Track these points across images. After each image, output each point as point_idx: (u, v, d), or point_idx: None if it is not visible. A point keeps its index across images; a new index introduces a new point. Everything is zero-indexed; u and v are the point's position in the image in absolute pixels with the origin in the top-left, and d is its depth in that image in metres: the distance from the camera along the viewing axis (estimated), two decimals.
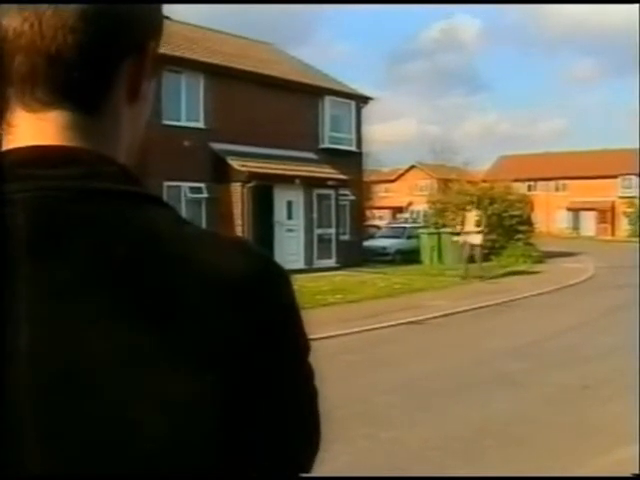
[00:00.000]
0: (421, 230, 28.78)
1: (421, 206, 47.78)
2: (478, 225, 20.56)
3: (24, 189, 0.69)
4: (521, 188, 41.18)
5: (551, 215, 61.77)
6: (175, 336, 0.67)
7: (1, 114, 0.75)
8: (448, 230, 26.04)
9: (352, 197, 25.58)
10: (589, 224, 63.19)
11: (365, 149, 28.36)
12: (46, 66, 0.71)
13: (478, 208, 27.34)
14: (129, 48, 0.76)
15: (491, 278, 20.13)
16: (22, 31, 0.70)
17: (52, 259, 0.67)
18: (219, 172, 20.63)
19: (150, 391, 0.66)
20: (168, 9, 0.86)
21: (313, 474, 0.82)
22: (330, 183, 23.62)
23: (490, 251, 26.83)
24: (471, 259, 20.47)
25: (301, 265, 21.46)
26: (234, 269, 0.72)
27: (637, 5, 17.26)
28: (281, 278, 0.76)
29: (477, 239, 20.42)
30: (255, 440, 0.72)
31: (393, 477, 5.06)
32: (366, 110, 27.38)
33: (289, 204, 22.48)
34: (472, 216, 21.02)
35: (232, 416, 0.69)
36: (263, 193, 21.10)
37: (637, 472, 4.46)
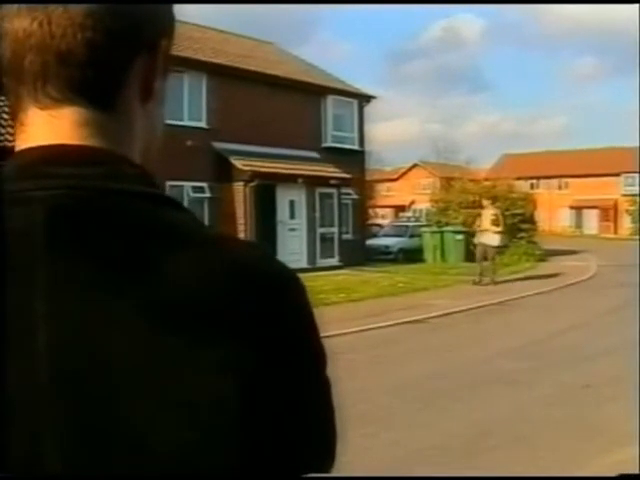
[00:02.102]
0: (424, 229, 28.72)
1: (424, 205, 47.67)
2: (496, 224, 17.85)
3: (43, 187, 0.69)
4: (524, 186, 41.05)
5: (554, 213, 61.66)
6: (197, 337, 0.67)
7: (14, 113, 0.76)
8: (451, 229, 26.00)
9: (355, 196, 25.56)
10: (592, 222, 63.08)
11: (367, 148, 28.37)
12: (57, 64, 0.72)
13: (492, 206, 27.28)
14: (140, 46, 0.76)
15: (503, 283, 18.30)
16: (32, 30, 0.71)
17: (70, 258, 0.67)
18: (222, 171, 20.62)
19: (171, 392, 0.66)
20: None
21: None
22: (332, 182, 23.60)
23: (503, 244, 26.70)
24: (484, 262, 18.09)
25: (304, 264, 21.43)
26: (255, 271, 0.73)
27: (637, 5, 17.18)
28: (299, 284, 0.77)
29: (495, 240, 17.89)
30: (267, 445, 0.71)
31: (393, 477, 5.07)
32: (368, 109, 27.37)
33: (291, 203, 22.46)
34: (489, 214, 18.19)
35: (244, 418, 0.69)
36: (266, 192, 21.09)
37: (637, 472, 4.46)
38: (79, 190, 0.70)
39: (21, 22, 0.72)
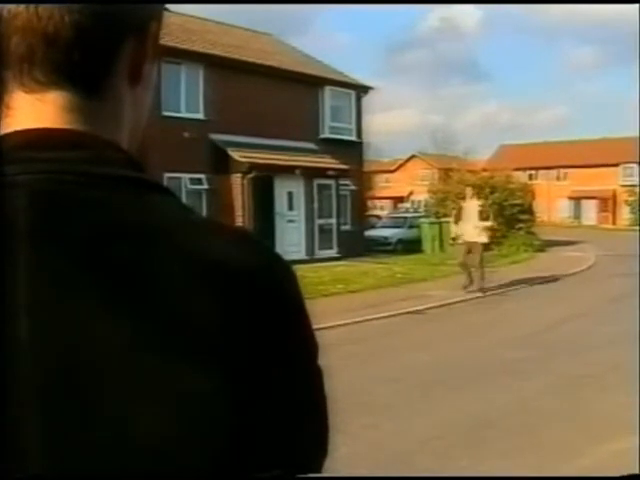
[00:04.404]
0: (422, 220, 28.82)
1: (422, 196, 47.80)
2: (485, 218, 14.63)
3: (26, 171, 0.67)
4: (522, 177, 41.13)
5: (552, 204, 61.72)
6: (178, 328, 0.66)
7: (0, 97, 0.73)
8: (449, 219, 26.00)
9: (353, 187, 25.57)
10: (590, 213, 63.11)
11: (365, 139, 28.32)
12: (43, 46, 0.69)
13: (479, 196, 27.15)
14: (129, 28, 0.74)
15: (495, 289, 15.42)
16: (18, 12, 0.69)
17: (53, 244, 0.65)
18: (219, 163, 20.61)
19: (153, 385, 0.64)
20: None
21: None
22: (331, 173, 23.61)
23: (491, 240, 26.80)
24: (467, 267, 14.89)
25: (302, 256, 21.45)
26: (240, 260, 0.70)
27: (637, 5, 17.13)
28: (288, 273, 0.75)
29: (482, 236, 14.57)
30: (259, 440, 0.70)
31: (393, 477, 5.05)
32: (366, 100, 27.37)
33: (290, 195, 22.46)
34: (473, 207, 14.78)
35: (234, 413, 0.67)
36: (263, 184, 21.09)
37: (638, 463, 4.45)
38: (62, 174, 0.68)
39: (10, 4, 0.70)
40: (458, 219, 14.93)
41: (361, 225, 26.77)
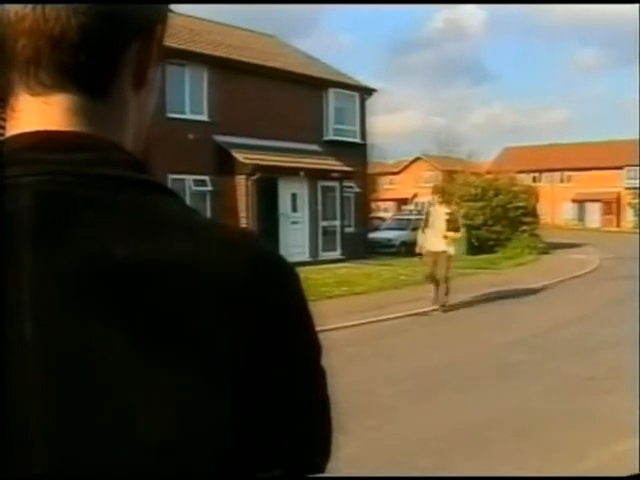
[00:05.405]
0: None
1: (426, 198, 47.71)
2: (455, 228, 12.73)
3: (29, 173, 0.67)
4: (526, 179, 41.07)
5: (556, 206, 61.60)
6: (179, 328, 0.66)
7: (5, 99, 0.74)
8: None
9: (357, 189, 25.54)
10: (594, 215, 63.00)
11: (369, 141, 28.30)
12: (49, 49, 0.70)
13: (482, 199, 27.12)
14: (135, 31, 0.74)
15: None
16: (24, 14, 0.69)
17: (55, 245, 0.65)
18: (223, 165, 20.61)
19: (154, 385, 0.65)
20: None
21: None
22: (334, 175, 23.59)
23: (495, 242, 26.85)
24: (435, 280, 12.77)
25: (306, 257, 21.45)
26: (242, 263, 0.71)
27: (637, 5, 17.09)
28: (291, 274, 0.75)
29: (448, 246, 12.66)
30: (260, 439, 0.70)
31: (393, 477, 5.04)
32: (370, 102, 27.32)
33: (294, 196, 22.46)
34: (441, 214, 12.76)
35: (234, 413, 0.68)
36: (267, 186, 21.08)
37: (638, 465, 4.45)
38: (64, 176, 0.68)
39: (13, 4, 0.70)
40: (425, 226, 12.95)
41: (365, 227, 26.76)
